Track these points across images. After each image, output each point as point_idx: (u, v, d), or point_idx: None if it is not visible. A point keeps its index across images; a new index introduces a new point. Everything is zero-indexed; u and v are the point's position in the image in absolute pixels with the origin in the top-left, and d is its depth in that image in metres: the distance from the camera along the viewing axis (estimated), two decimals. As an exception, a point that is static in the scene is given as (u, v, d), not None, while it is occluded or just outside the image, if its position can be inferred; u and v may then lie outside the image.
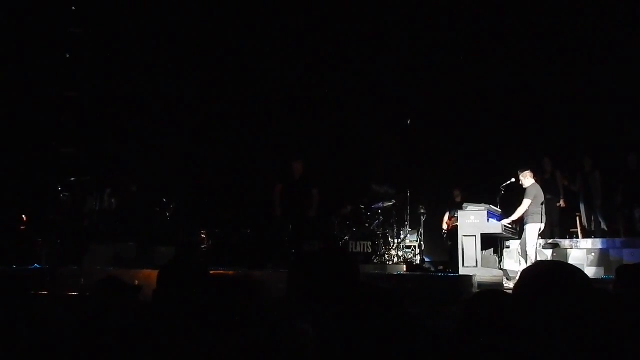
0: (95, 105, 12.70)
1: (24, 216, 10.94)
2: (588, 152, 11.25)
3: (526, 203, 9.18)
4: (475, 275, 7.68)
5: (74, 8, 11.84)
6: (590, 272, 9.55)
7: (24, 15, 11.53)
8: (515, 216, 9.35)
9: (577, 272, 1.66)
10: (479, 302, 1.91)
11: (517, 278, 1.81)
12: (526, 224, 9.25)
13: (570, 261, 9.69)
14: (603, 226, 11.17)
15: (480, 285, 7.44)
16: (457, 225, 9.37)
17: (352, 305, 2.05)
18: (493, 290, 2.08)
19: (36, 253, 9.80)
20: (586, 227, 11.37)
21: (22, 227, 10.81)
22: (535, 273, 1.67)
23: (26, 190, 11.35)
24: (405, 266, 9.90)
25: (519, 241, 9.71)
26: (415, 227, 11.32)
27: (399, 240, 10.97)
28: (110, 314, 2.56)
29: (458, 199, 11.24)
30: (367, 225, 10.81)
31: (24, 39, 11.65)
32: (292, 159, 10.18)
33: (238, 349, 1.20)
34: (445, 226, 11.35)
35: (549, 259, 9.68)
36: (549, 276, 1.60)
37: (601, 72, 11.43)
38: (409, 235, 11.22)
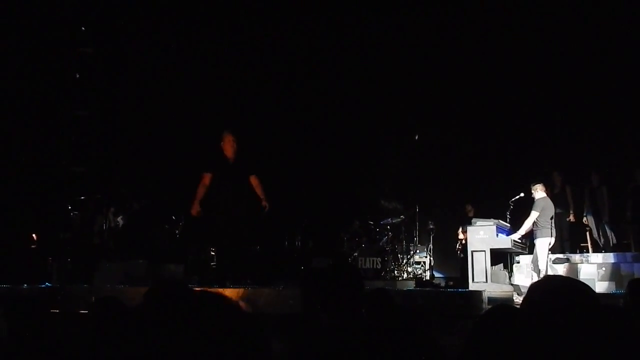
0: (106, 123, 12.83)
1: (34, 235, 11.01)
2: (596, 166, 11.23)
3: (533, 215, 9.15)
4: (485, 291, 7.64)
5: (83, 28, 11.99)
6: (601, 286, 9.47)
7: (34, 36, 11.69)
8: (523, 229, 9.29)
9: (585, 288, 1.67)
10: (490, 318, 1.90)
11: (526, 292, 1.82)
12: (536, 238, 9.22)
13: (581, 276, 9.63)
14: (612, 240, 11.10)
15: (491, 300, 7.39)
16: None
17: (381, 324, 2.05)
18: (505, 305, 2.07)
19: (47, 271, 9.86)
20: (597, 241, 11.31)
21: (32, 246, 10.88)
22: (543, 288, 1.68)
23: (36, 209, 11.43)
24: (415, 282, 9.85)
25: (528, 256, 9.65)
26: (424, 243, 11.29)
27: (409, 256, 10.93)
28: (106, 332, 2.57)
29: (470, 214, 11.22)
30: (376, 241, 10.80)
31: (35, 59, 11.80)
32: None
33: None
34: (461, 236, 11.27)
35: (560, 273, 9.62)
36: (556, 291, 1.60)
37: (610, 87, 11.42)
38: (418, 251, 11.19)
